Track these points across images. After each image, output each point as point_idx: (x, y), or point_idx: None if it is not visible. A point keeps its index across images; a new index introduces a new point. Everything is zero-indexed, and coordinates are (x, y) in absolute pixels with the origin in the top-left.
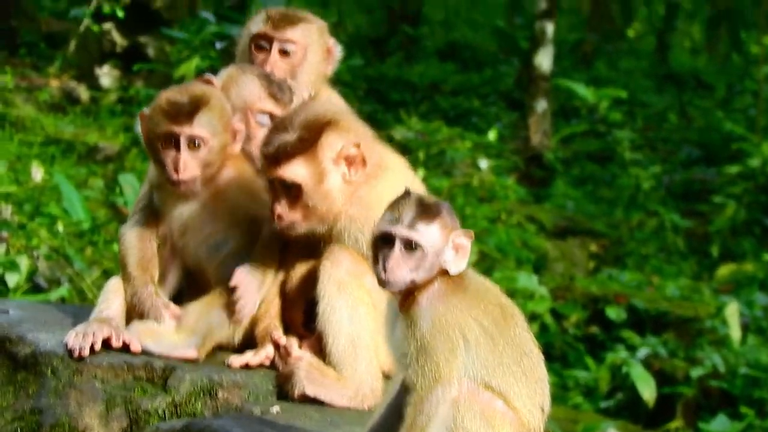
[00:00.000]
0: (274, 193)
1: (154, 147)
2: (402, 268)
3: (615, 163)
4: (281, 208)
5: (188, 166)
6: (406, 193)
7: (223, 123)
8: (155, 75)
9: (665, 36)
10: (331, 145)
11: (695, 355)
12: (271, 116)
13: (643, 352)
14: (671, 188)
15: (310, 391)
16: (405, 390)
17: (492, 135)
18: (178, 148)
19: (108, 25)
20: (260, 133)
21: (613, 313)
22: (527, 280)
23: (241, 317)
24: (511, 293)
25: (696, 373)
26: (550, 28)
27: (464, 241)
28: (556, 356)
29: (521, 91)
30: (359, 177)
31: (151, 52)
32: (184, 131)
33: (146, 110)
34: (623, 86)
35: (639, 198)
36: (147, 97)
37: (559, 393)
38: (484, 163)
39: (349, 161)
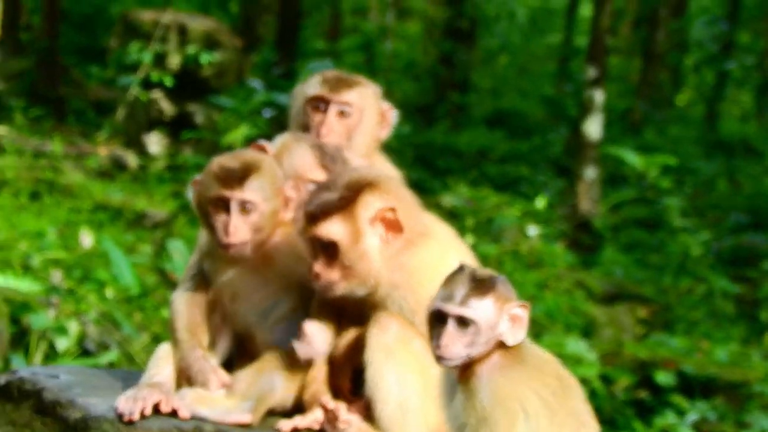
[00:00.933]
0: (313, 253)
1: (205, 212)
2: (456, 345)
3: (664, 229)
4: (319, 267)
5: (239, 229)
6: (460, 268)
7: (274, 189)
8: (203, 143)
9: (714, 104)
10: (368, 205)
11: (744, 419)
12: None
13: (692, 417)
14: (720, 254)
15: None
16: None
17: (540, 202)
18: (228, 212)
19: (156, 93)
20: None
21: (662, 378)
22: (576, 345)
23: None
24: (560, 359)
25: None
26: (599, 95)
27: (520, 312)
28: (605, 421)
29: (570, 158)
30: (397, 241)
31: (199, 119)
32: (235, 195)
33: (198, 177)
34: (672, 153)
35: (688, 264)
36: (195, 165)
37: None
38: (532, 230)
39: (387, 224)
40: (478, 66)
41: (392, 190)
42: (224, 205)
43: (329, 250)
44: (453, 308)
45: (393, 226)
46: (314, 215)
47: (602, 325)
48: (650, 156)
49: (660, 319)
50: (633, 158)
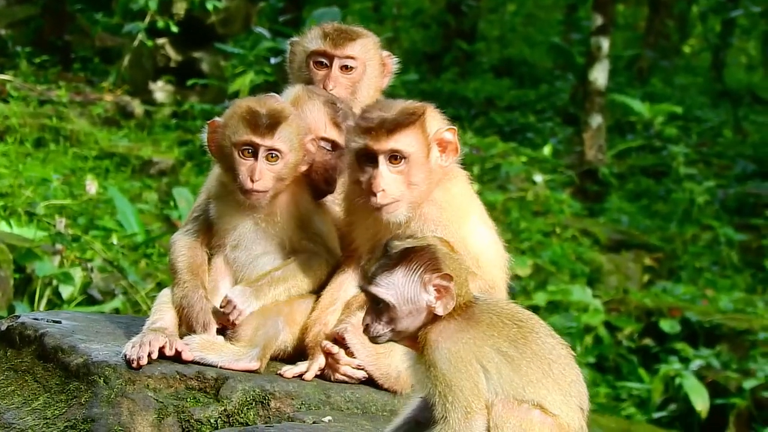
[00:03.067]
0: (375, 168)
1: (227, 155)
2: (376, 324)
3: (669, 178)
4: (384, 182)
5: (264, 176)
6: (384, 245)
7: (299, 140)
8: (209, 90)
9: (721, 52)
10: (431, 123)
11: (748, 366)
12: (334, 144)
13: (696, 363)
14: (726, 203)
15: (349, 338)
16: (428, 411)
17: (547, 150)
18: (255, 157)
19: (162, 40)
20: (321, 160)
21: (667, 325)
22: (581, 293)
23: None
24: (566, 306)
25: (749, 384)
26: (605, 43)
27: (443, 282)
28: (609, 368)
29: (576, 106)
30: (449, 164)
31: (205, 67)
32: (265, 142)
33: (218, 119)
34: (678, 102)
35: (693, 212)
36: (201, 112)
37: (612, 404)
38: (539, 178)
39: (443, 145)
40: (486, 14)
41: (445, 117)
42: (252, 150)
43: (398, 165)
44: (366, 287)
45: (448, 147)
46: (387, 128)
47: (607, 273)
48: (656, 104)
49: (665, 267)
50: (639, 106)
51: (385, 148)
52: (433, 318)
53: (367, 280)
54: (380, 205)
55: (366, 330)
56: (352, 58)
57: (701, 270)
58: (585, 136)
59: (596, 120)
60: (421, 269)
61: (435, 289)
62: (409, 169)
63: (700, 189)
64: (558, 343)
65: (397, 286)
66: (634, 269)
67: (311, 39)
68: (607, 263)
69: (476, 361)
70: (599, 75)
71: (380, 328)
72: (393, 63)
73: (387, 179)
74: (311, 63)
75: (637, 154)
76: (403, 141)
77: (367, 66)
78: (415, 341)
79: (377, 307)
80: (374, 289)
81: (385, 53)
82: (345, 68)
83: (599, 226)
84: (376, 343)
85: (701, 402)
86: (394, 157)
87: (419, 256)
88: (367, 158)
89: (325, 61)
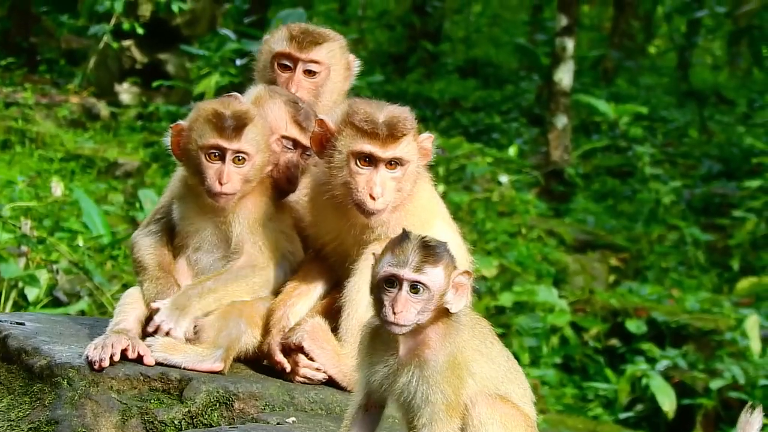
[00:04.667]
0: (372, 171)
1: (193, 158)
2: (409, 311)
3: (635, 178)
4: (379, 187)
5: (232, 179)
6: (406, 235)
7: (265, 141)
8: (175, 91)
9: (686, 52)
10: (418, 132)
11: (715, 367)
12: (295, 143)
13: (663, 364)
14: (691, 203)
15: (307, 346)
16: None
17: (512, 151)
18: (222, 160)
19: (128, 42)
20: (283, 159)
21: (633, 325)
22: (547, 293)
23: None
24: (531, 306)
25: (716, 384)
26: (570, 44)
27: (464, 280)
28: (576, 368)
29: (542, 107)
30: (422, 170)
31: (170, 68)
32: (232, 146)
33: (182, 122)
34: (644, 102)
35: (659, 212)
36: (167, 114)
37: (579, 404)
38: (504, 179)
39: (424, 152)
40: (451, 15)
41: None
42: (218, 154)
43: (394, 171)
44: (408, 274)
45: (426, 155)
46: (393, 135)
47: (573, 274)
48: (622, 104)
49: (631, 268)
50: (604, 107)
51: (390, 155)
52: (435, 316)
53: (408, 267)
54: (375, 210)
55: (398, 317)
56: (316, 62)
57: (667, 270)
58: (550, 136)
59: (561, 120)
60: (452, 265)
61: (453, 286)
62: (402, 176)
63: (666, 189)
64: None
65: (439, 277)
66: (600, 269)
67: (277, 40)
68: (572, 264)
69: (465, 365)
70: (564, 75)
71: (412, 317)
72: (356, 65)
73: (385, 185)
74: (275, 64)
75: (603, 155)
76: (405, 149)
77: (332, 70)
78: (413, 339)
79: (414, 296)
80: (422, 277)
81: (351, 56)
82: (309, 72)
83: (565, 226)
84: (400, 333)
85: (668, 402)
86: (392, 163)
87: (450, 252)
88: (364, 161)
89: (289, 63)
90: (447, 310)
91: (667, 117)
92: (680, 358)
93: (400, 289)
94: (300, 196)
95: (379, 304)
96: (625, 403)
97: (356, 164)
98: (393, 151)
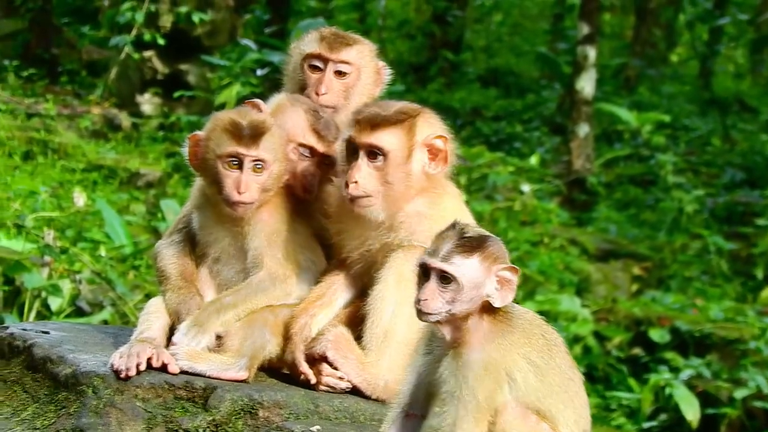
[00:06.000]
0: (355, 162)
1: (211, 168)
2: (436, 300)
3: (658, 186)
4: (359, 175)
5: (250, 188)
6: (452, 225)
7: (282, 150)
8: (196, 102)
9: (708, 60)
10: (423, 127)
11: (739, 376)
12: (312, 151)
13: (686, 373)
14: (715, 211)
15: (331, 355)
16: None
17: (534, 159)
18: (240, 169)
19: (149, 53)
20: (300, 167)
21: (657, 335)
22: (570, 302)
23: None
24: (554, 316)
25: (740, 394)
26: (592, 53)
27: (509, 274)
28: (599, 378)
29: (564, 116)
30: (438, 172)
31: (191, 79)
32: (251, 153)
33: (199, 132)
34: (666, 111)
35: (682, 221)
36: (188, 124)
37: (602, 414)
38: (526, 188)
39: (433, 152)
40: (472, 24)
41: (443, 124)
42: (237, 162)
43: (376, 160)
44: (435, 263)
45: (438, 155)
46: (371, 123)
47: (596, 283)
48: (644, 113)
49: (654, 277)
50: (627, 115)
51: (365, 142)
52: (480, 310)
53: (437, 256)
54: (351, 196)
55: (422, 305)
56: (346, 63)
57: (690, 279)
58: (572, 145)
59: (583, 129)
60: (492, 258)
61: (497, 281)
62: (386, 167)
63: (689, 198)
64: (573, 365)
65: (471, 269)
66: (623, 278)
67: (308, 42)
68: (595, 273)
69: (505, 369)
70: (586, 84)
71: (439, 306)
72: (387, 73)
73: (363, 173)
74: (306, 66)
75: (625, 163)
76: (384, 138)
77: (362, 73)
78: (457, 330)
79: (443, 286)
80: (448, 267)
81: (381, 63)
82: (339, 73)
83: (587, 235)
84: (428, 321)
85: (692, 412)
86: (374, 152)
87: (494, 245)
88: (352, 152)
89: (319, 64)
90: (502, 309)
91: (690, 125)
92: (704, 367)
93: (430, 278)
94: (319, 205)
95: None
96: (649, 413)
97: (347, 157)
98: (372, 139)
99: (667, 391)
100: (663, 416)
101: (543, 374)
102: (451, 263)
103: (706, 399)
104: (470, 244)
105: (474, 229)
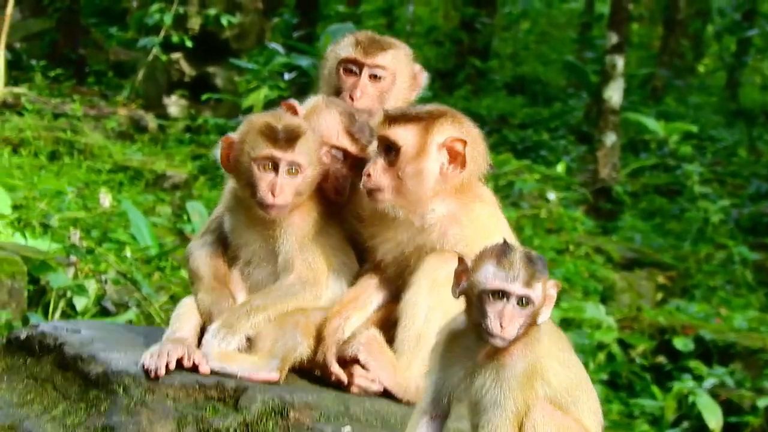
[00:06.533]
0: (377, 155)
1: (245, 170)
2: (516, 324)
3: (683, 196)
4: (374, 168)
5: (284, 190)
6: (509, 247)
7: (317, 154)
8: (223, 105)
9: (736, 71)
10: (443, 129)
11: (762, 385)
12: (345, 154)
13: (709, 382)
14: (740, 222)
15: (363, 358)
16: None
17: (560, 168)
18: (275, 171)
19: (176, 55)
20: (332, 170)
21: (681, 343)
22: (594, 310)
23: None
24: (579, 323)
25: (763, 403)
26: (620, 62)
27: (554, 292)
28: (622, 385)
29: (590, 124)
30: (456, 177)
31: (219, 82)
32: (286, 156)
33: (232, 134)
34: (693, 121)
35: (707, 231)
36: (215, 127)
37: (625, 421)
38: (552, 196)
39: (452, 155)
40: (499, 32)
41: (470, 130)
42: (272, 164)
43: (390, 155)
44: (518, 289)
45: (457, 159)
46: (391, 118)
47: (621, 291)
48: (671, 123)
49: (678, 286)
50: (654, 125)
51: (382, 135)
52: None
53: (518, 281)
54: (364, 188)
55: (503, 331)
56: (381, 67)
57: (715, 289)
58: (599, 154)
59: (610, 138)
60: (547, 277)
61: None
62: (398, 162)
63: (715, 208)
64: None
65: (541, 292)
66: (648, 287)
67: (343, 46)
68: (620, 281)
69: (542, 376)
70: (614, 93)
71: (516, 331)
72: (424, 77)
73: (377, 166)
74: (341, 70)
75: (651, 173)
76: (398, 133)
77: (397, 77)
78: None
79: (520, 311)
80: (531, 293)
81: (417, 67)
82: (374, 77)
83: (612, 244)
84: (502, 345)
85: (714, 420)
86: (389, 148)
87: (546, 264)
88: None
89: (354, 69)
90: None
91: (716, 136)
92: (727, 376)
93: (508, 302)
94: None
95: (481, 315)
96: (672, 421)
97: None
98: (387, 132)
99: (690, 399)
100: (685, 424)
101: (569, 370)
102: (532, 289)
103: (728, 407)
104: (539, 268)
105: (526, 249)
